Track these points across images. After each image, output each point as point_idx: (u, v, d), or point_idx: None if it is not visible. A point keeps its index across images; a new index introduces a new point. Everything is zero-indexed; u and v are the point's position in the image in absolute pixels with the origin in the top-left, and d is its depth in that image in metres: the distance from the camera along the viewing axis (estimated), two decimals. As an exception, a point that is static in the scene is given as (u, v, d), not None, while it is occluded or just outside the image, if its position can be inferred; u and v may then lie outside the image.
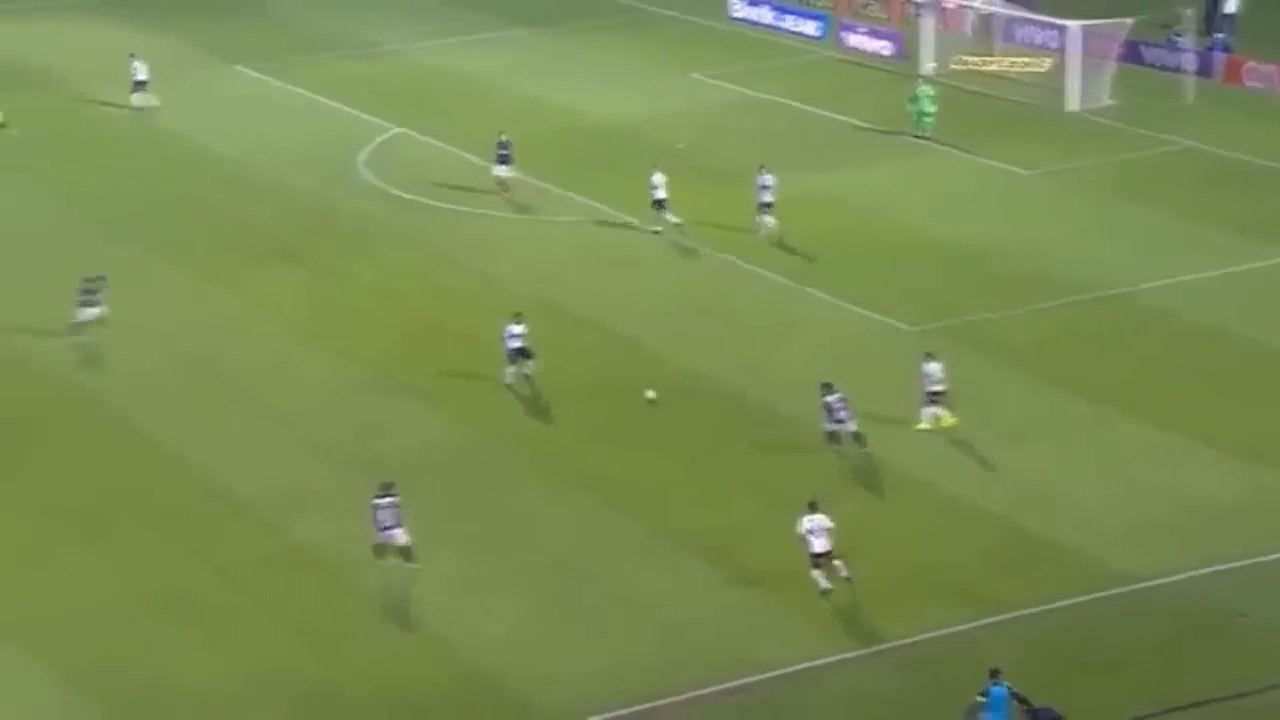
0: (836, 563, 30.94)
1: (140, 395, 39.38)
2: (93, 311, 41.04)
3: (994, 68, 61.92)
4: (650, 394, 38.36)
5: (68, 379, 40.17)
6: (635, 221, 49.08)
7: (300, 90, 62.68)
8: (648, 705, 28.63)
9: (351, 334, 42.61)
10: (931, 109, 56.04)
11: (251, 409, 38.95)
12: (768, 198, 47.20)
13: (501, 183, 50.74)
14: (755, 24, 70.38)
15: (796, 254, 46.93)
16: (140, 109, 59.71)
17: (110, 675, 29.44)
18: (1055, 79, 59.61)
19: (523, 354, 39.05)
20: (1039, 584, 31.64)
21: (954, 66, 61.83)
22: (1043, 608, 30.94)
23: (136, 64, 60.18)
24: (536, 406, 38.62)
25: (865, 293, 44.26)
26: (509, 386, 38.98)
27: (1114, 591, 31.44)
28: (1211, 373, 39.66)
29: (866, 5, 70.91)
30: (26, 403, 39.11)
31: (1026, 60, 61.78)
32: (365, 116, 59.31)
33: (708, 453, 36.71)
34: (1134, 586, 31.57)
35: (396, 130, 57.92)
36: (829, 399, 36.36)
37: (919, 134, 55.98)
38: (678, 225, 47.68)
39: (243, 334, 42.75)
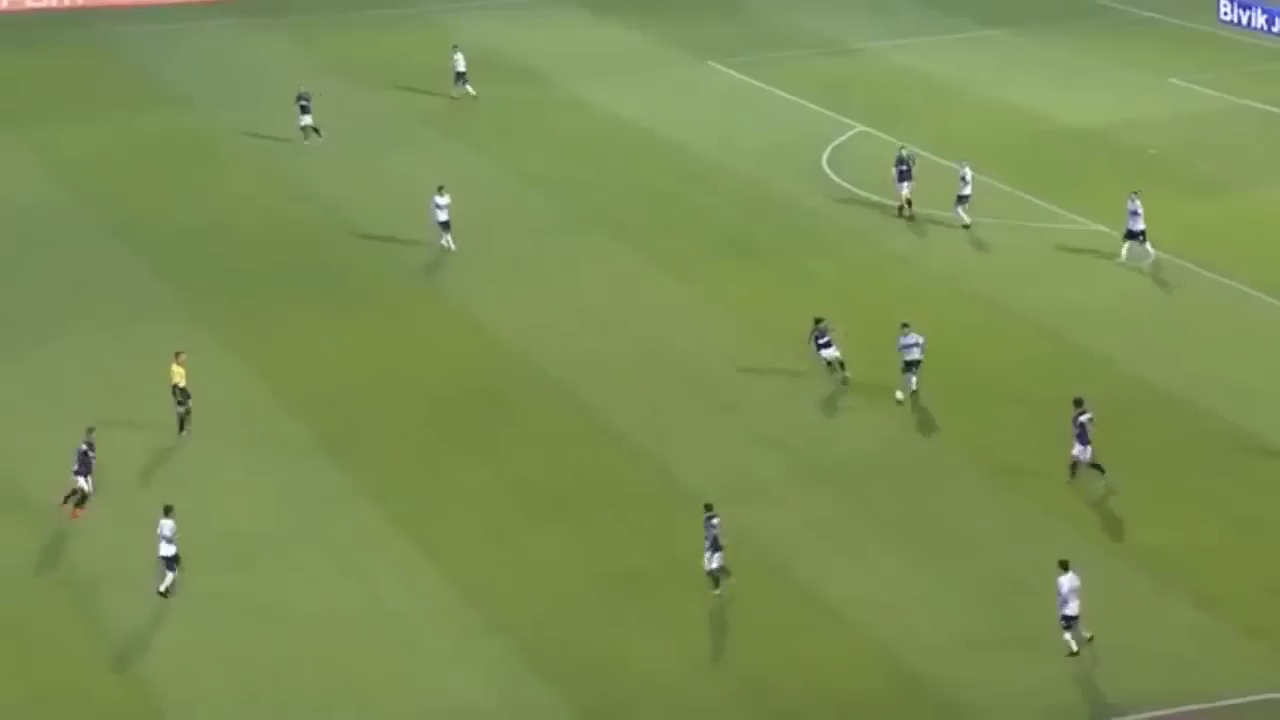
0: (1067, 634, 29.72)
1: (598, 379, 40.89)
2: (831, 352, 40.10)
3: None
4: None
5: (530, 358, 42.05)
6: (1102, 228, 48.23)
7: (768, 87, 63.77)
8: (1088, 725, 28.34)
9: (806, 330, 43.18)
10: None
11: (705, 399, 39.99)
12: (1138, 225, 45.29)
13: (903, 200, 49.79)
14: (1245, 27, 67.92)
15: (1271, 267, 45.17)
16: (457, 99, 61.51)
17: (564, 653, 30.84)
18: None
19: (912, 366, 38.64)
20: None
21: None
22: None
23: (457, 56, 62.11)
24: (980, 413, 38.43)
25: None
26: (900, 402, 38.66)
27: None
28: None
29: (1366, 9, 67.65)
30: (495, 378, 41.09)
31: None
32: (831, 114, 59.97)
33: (1162, 466, 35.92)
34: None
35: (860, 129, 58.35)
36: (1082, 418, 35.09)
37: None
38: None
39: (700, 324, 43.87)
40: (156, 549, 32.45)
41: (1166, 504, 34.74)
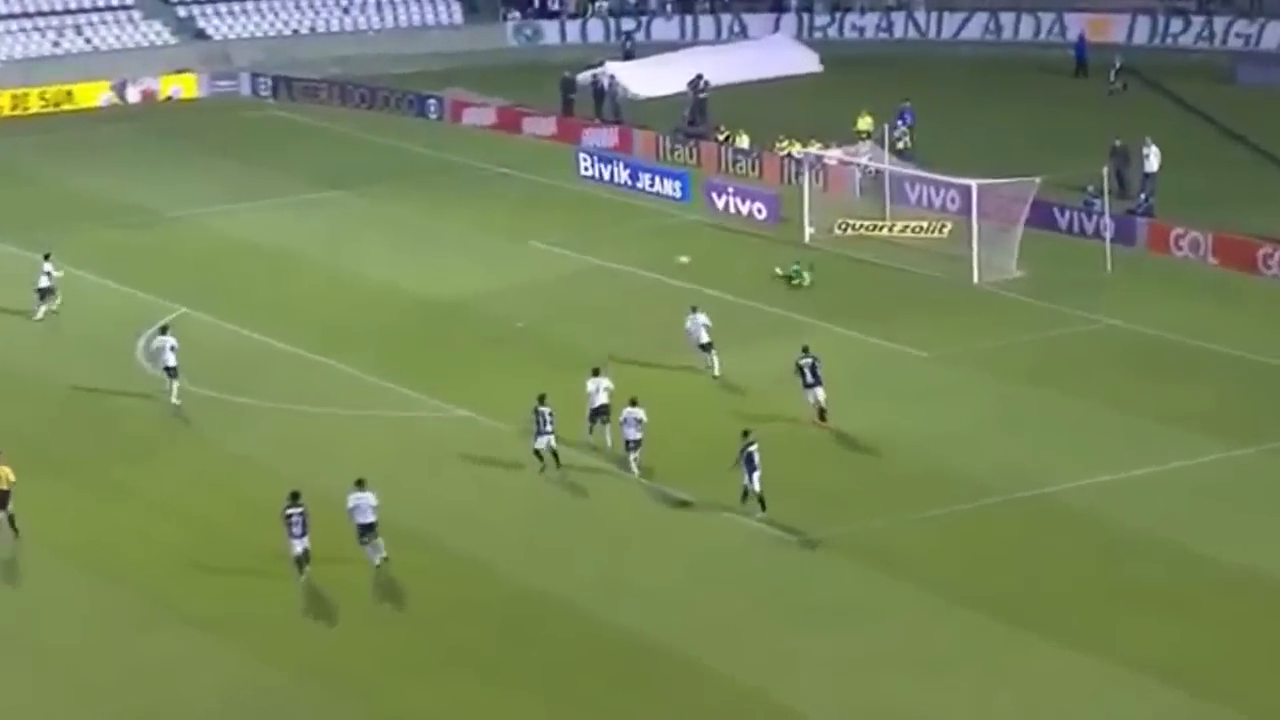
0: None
1: None
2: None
3: (885, 233, 63.30)
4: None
5: None
6: (465, 414, 49.53)
7: (68, 268, 62.49)
8: None
9: (127, 557, 42.32)
10: (809, 278, 57.70)
11: (8, 649, 38.61)
12: (705, 339, 51.31)
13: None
14: (607, 183, 71.58)
15: (662, 453, 47.14)
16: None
17: None
18: (956, 246, 60.90)
19: None
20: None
21: (838, 232, 63.13)
22: None
23: (46, 266, 58.17)
24: (348, 635, 38.57)
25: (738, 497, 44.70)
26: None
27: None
28: (1135, 585, 40.22)
29: (736, 162, 72.37)
30: None
31: (922, 224, 63.27)
32: (143, 295, 59.43)
33: (555, 685, 36.86)
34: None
35: (181, 310, 58.04)
36: (542, 409, 45.26)
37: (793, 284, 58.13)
38: None
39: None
40: None
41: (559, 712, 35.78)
